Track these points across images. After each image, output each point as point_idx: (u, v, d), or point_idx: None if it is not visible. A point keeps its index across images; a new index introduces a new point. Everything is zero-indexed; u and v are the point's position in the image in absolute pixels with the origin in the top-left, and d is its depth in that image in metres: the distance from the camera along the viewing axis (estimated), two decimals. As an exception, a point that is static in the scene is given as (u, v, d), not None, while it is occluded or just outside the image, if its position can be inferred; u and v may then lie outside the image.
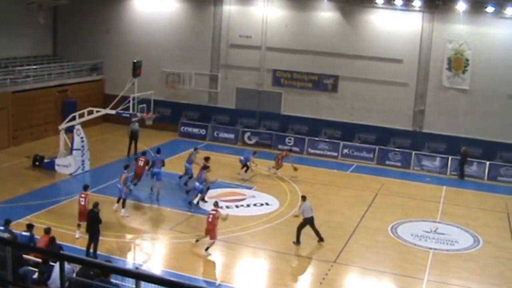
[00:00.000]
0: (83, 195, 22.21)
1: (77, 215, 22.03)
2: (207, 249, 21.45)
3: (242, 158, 31.29)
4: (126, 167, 25.69)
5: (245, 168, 30.94)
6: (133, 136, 33.77)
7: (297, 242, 22.78)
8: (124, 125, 34.68)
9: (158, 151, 29.25)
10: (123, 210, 24.69)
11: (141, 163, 27.85)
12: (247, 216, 25.87)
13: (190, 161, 28.93)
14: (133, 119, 31.30)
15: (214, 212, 21.57)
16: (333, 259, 21.86)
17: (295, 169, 31.15)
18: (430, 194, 30.26)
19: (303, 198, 23.73)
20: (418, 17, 34.70)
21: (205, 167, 26.51)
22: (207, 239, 21.51)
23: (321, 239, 23.06)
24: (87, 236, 20.77)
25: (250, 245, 22.83)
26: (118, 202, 24.96)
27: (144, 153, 29.48)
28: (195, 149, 29.94)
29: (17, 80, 35.44)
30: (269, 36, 37.63)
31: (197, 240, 22.04)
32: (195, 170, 27.89)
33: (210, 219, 21.41)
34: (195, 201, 26.16)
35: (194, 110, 39.64)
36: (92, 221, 20.76)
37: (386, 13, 35.36)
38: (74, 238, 21.70)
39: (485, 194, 30.95)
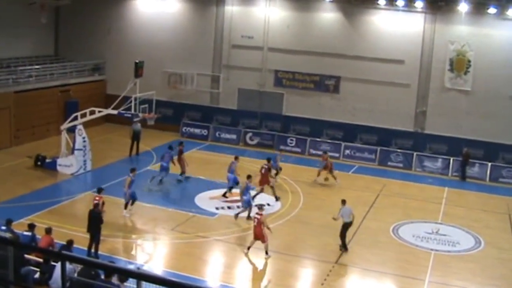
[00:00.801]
0: (97, 198, 21.97)
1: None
2: (266, 252, 21.47)
3: (273, 163, 29.08)
4: (132, 170, 25.58)
5: (274, 172, 29.57)
6: (135, 137, 33.71)
7: (345, 248, 22.42)
8: (126, 125, 34.70)
9: (170, 147, 29.69)
10: (124, 211, 24.74)
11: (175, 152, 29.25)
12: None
13: (231, 170, 28.01)
14: (135, 119, 31.35)
15: (259, 216, 21.50)
16: (335, 260, 21.86)
17: (326, 179, 30.78)
18: (431, 195, 30.23)
19: (343, 202, 23.05)
20: (420, 18, 34.68)
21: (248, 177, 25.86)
22: (259, 243, 21.52)
23: (345, 248, 22.54)
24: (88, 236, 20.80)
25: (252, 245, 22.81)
26: (125, 208, 24.85)
27: (181, 143, 30.48)
28: (236, 158, 28.87)
29: (19, 80, 35.47)
30: (271, 37, 37.63)
31: (248, 248, 21.75)
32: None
33: (255, 223, 21.45)
34: (242, 214, 25.10)
35: (196, 110, 39.64)
36: (93, 221, 20.78)
37: (388, 14, 35.35)
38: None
39: (486, 196, 30.91)
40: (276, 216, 25.73)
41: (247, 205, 24.98)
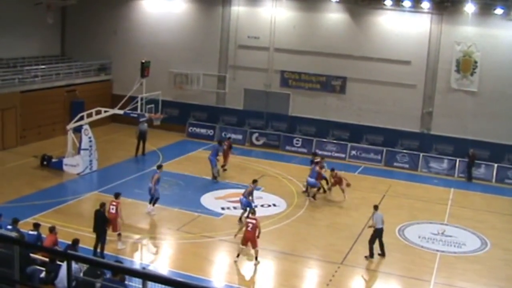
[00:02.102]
0: (114, 203, 21.63)
1: (109, 225, 21.32)
2: (256, 258, 21.06)
3: (310, 180, 28.05)
4: (159, 167, 25.78)
5: (315, 190, 28.30)
6: (141, 136, 33.64)
7: (371, 255, 22.00)
8: (132, 125, 34.72)
9: (219, 142, 31.33)
10: (149, 206, 24.89)
11: (225, 147, 30.75)
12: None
13: (313, 175, 28.05)
14: (141, 119, 31.39)
15: (254, 221, 20.97)
16: (340, 261, 21.83)
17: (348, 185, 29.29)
18: (437, 196, 30.17)
19: (375, 207, 22.60)
20: (426, 19, 34.61)
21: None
22: (249, 249, 21.23)
23: (383, 254, 22.24)
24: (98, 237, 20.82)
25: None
26: (150, 203, 24.96)
27: (229, 138, 31.95)
28: (317, 159, 29.36)
29: (26, 80, 35.55)
30: (277, 37, 37.61)
31: (238, 255, 21.19)
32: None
33: (250, 228, 20.80)
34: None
35: (202, 110, 39.66)
36: (99, 221, 20.82)
37: (395, 15, 35.28)
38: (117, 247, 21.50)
39: (492, 197, 30.84)
40: (281, 217, 25.72)
41: (246, 207, 24.44)
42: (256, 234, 20.90)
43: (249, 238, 20.90)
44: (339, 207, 27.71)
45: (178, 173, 29.22)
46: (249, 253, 21.61)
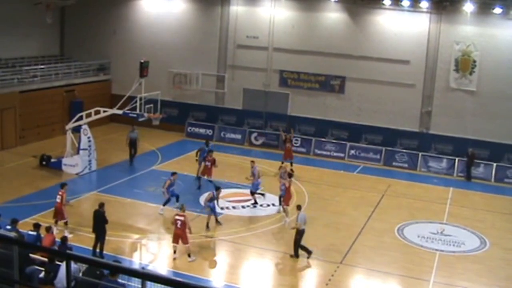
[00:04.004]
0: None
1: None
2: (189, 255, 21.05)
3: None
4: (173, 174, 25.66)
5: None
6: (132, 144, 32.33)
7: (296, 256, 21.82)
8: (131, 125, 34.51)
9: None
10: (161, 207, 25.06)
11: (208, 163, 28.31)
12: (253, 216, 25.94)
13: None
14: (133, 128, 31.48)
15: (182, 217, 21.05)
16: (339, 260, 21.84)
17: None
18: (436, 196, 30.18)
19: (298, 207, 22.61)
20: (425, 18, 34.62)
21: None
22: (182, 246, 21.18)
23: (297, 256, 21.91)
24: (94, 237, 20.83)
25: (256, 245, 22.81)
26: (164, 205, 25.12)
27: (211, 150, 29.33)
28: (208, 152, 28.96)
29: (25, 80, 35.57)
30: (276, 37, 37.62)
31: (174, 252, 21.31)
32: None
33: (179, 225, 20.90)
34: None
35: (201, 110, 39.67)
36: (98, 221, 20.83)
37: (393, 14, 35.29)
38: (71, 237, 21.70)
39: (492, 196, 30.85)
40: (281, 216, 25.70)
41: (211, 213, 24.18)
42: (186, 230, 21.03)
43: (179, 235, 20.99)
44: (338, 207, 27.72)
45: (177, 173, 29.14)
46: (249, 254, 21.65)
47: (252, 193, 27.10)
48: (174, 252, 21.32)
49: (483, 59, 33.62)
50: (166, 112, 34.22)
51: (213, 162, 28.42)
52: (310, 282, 21.23)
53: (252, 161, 28.43)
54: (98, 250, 20.63)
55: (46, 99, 36.38)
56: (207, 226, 23.91)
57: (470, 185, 32.58)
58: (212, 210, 24.05)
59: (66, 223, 22.65)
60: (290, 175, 26.62)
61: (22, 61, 37.52)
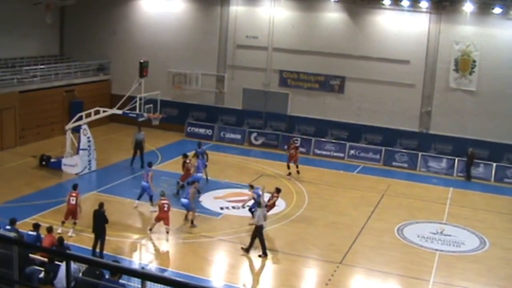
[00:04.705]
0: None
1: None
2: (167, 232, 22.61)
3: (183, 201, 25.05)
4: (150, 164, 26.50)
5: None
6: (138, 146, 31.70)
7: (247, 251, 21.77)
8: (131, 126, 34.42)
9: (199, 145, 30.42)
10: (151, 207, 25.15)
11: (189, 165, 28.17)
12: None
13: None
14: (138, 132, 31.40)
15: (167, 201, 22.90)
16: (339, 260, 21.84)
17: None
18: (436, 196, 30.18)
19: (259, 204, 22.73)
20: (425, 18, 34.61)
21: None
22: (160, 226, 22.78)
23: (248, 252, 21.94)
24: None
25: (256, 245, 22.77)
26: (150, 202, 25.36)
27: (186, 155, 28.76)
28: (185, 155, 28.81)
29: (24, 80, 35.54)
30: (276, 37, 37.61)
31: (150, 229, 23.06)
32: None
33: (166, 209, 22.62)
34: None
35: (200, 110, 39.65)
36: (98, 221, 20.82)
37: (393, 14, 35.28)
38: (71, 238, 21.68)
39: (491, 196, 30.84)
40: (280, 216, 25.72)
41: (187, 208, 24.53)
42: (169, 214, 22.80)
43: (164, 218, 22.66)
44: (338, 207, 27.72)
45: (177, 173, 29.15)
46: (249, 254, 21.67)
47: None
48: (151, 229, 23.02)
49: (483, 59, 33.61)
50: (165, 112, 34.19)
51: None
52: (310, 282, 21.25)
53: (251, 186, 25.78)
54: (98, 250, 20.63)
55: (45, 99, 36.35)
56: (192, 222, 24.34)
57: (470, 185, 32.58)
58: (184, 205, 24.54)
59: (75, 223, 22.50)
60: (279, 190, 25.33)
61: (21, 61, 37.49)
